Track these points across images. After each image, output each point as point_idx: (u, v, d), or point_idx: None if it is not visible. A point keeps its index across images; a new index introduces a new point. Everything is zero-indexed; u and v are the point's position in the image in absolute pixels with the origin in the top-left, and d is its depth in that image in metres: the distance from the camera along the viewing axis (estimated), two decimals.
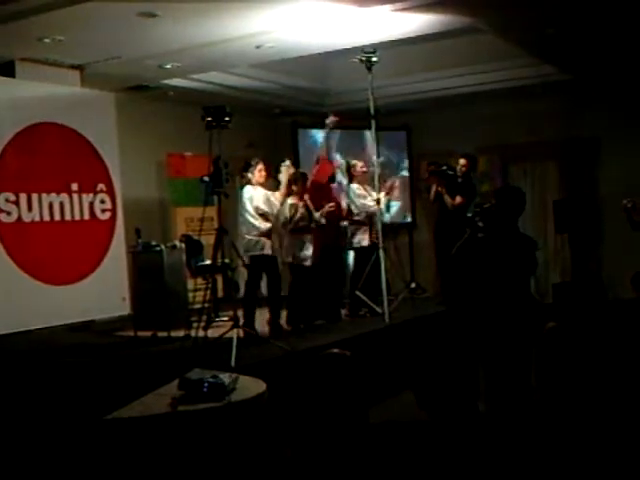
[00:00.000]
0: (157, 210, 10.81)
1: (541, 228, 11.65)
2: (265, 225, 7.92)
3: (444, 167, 9.75)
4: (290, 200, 8.22)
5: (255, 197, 7.90)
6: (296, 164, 11.56)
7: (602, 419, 4.87)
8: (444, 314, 9.26)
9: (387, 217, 9.52)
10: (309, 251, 8.31)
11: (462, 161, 9.89)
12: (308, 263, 8.31)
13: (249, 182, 8.01)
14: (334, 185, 9.27)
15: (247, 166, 8.03)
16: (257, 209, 7.88)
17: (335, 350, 4.14)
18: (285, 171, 8.33)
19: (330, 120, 9.16)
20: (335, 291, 8.92)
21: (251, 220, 7.89)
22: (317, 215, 8.45)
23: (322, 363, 3.97)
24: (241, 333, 6.99)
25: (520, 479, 4.23)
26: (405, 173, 12.66)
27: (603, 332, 6.44)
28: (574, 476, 4.27)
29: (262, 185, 8.03)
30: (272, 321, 8.11)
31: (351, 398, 3.73)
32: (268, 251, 7.97)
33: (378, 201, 8.93)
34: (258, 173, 7.97)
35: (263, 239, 7.93)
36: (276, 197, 8.06)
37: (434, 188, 9.79)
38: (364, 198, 9.18)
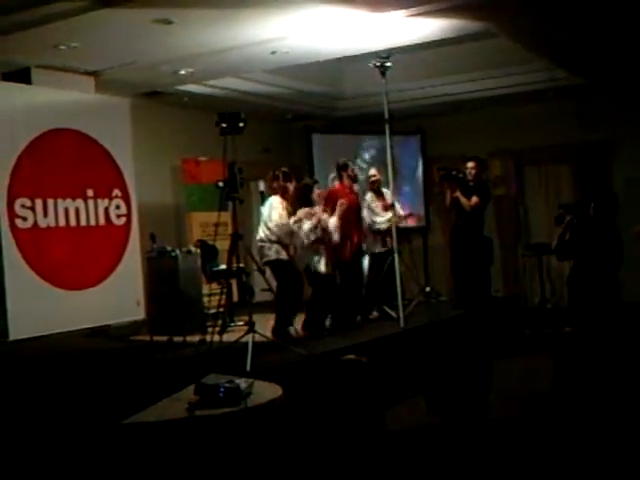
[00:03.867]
0: (172, 215, 10.83)
1: (556, 230, 11.61)
2: (275, 235, 7.96)
3: (453, 172, 9.76)
4: (307, 222, 8.19)
5: (282, 214, 7.96)
6: (310, 168, 11.64)
7: (618, 422, 4.86)
8: (460, 318, 9.26)
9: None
10: (322, 260, 8.24)
11: (470, 164, 9.88)
12: (323, 271, 8.26)
13: (277, 193, 8.10)
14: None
15: (279, 177, 8.10)
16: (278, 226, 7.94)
17: (352, 356, 4.13)
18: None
19: None
20: (353, 298, 8.88)
21: (266, 228, 7.96)
22: (334, 234, 8.43)
23: (339, 369, 3.97)
24: (256, 337, 7.00)
25: None
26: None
27: (619, 335, 6.47)
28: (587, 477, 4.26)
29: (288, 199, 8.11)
30: (277, 326, 8.00)
31: (367, 404, 3.73)
32: (282, 256, 7.98)
33: (392, 207, 8.93)
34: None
35: (275, 245, 7.95)
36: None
37: (449, 195, 9.78)
38: (376, 215, 9.22)
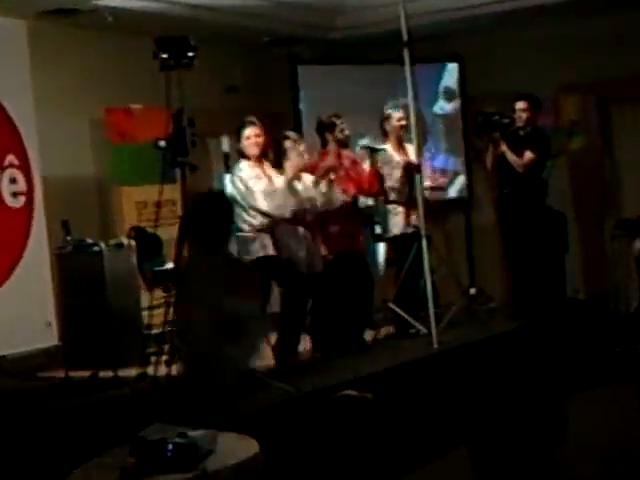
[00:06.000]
0: (93, 192, 10.82)
1: None
2: (260, 220, 8.07)
3: (495, 117, 9.79)
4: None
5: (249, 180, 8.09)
6: (296, 118, 11.64)
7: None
8: (519, 332, 9.31)
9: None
10: (303, 252, 8.37)
11: (520, 104, 9.99)
12: (304, 269, 8.39)
13: (243, 155, 8.23)
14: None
15: (239, 128, 8.26)
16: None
17: (353, 392, 4.20)
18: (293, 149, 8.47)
19: None
20: (356, 308, 8.98)
21: (240, 212, 8.09)
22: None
23: (334, 410, 4.04)
24: None
25: None
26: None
27: None
28: None
29: (259, 160, 8.21)
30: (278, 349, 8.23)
31: (377, 461, 3.81)
32: (270, 251, 8.11)
33: (418, 170, 8.98)
34: (246, 141, 8.15)
35: (262, 235, 8.12)
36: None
37: (490, 151, 9.84)
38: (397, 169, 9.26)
